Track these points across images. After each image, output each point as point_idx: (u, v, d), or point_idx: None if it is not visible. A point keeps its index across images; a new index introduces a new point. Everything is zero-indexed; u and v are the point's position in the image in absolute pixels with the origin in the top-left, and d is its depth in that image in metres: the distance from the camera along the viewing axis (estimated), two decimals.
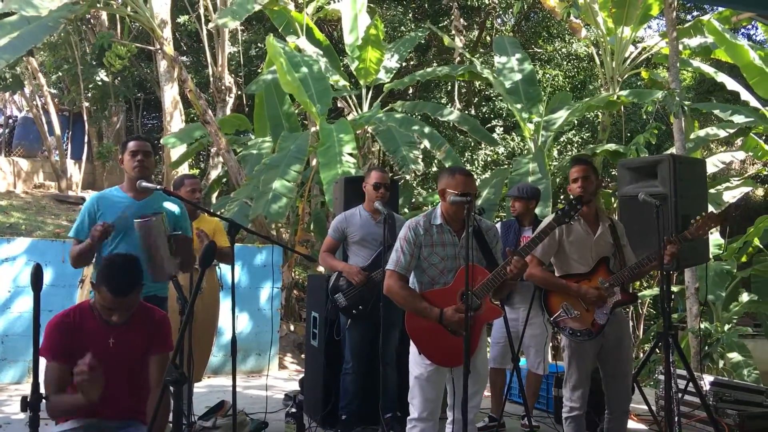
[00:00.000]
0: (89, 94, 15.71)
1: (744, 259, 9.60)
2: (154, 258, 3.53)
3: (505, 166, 12.14)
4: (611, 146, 10.01)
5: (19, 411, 2.52)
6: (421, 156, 9.12)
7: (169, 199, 3.96)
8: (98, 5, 11.00)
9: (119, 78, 16.01)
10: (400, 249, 3.40)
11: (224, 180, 12.59)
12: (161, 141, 11.66)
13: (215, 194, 12.71)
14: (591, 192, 3.97)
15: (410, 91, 15.70)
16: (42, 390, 2.52)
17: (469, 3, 15.23)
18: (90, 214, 3.79)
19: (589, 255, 3.97)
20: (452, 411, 3.38)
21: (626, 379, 4.04)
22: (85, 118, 15.94)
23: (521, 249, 3.45)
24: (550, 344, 6.23)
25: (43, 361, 2.80)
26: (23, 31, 8.71)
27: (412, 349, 3.40)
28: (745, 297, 9.04)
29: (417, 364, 3.38)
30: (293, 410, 5.23)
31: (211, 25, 11.98)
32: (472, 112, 15.48)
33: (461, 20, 14.78)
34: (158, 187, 3.78)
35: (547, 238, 3.79)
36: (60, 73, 16.22)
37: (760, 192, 15.87)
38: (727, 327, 8.43)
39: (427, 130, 10.02)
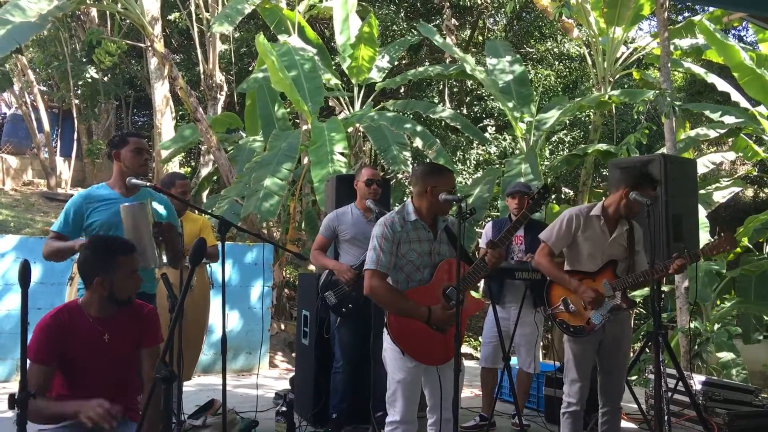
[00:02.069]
0: (79, 91, 15.63)
1: (731, 257, 9.65)
2: (137, 243, 3.49)
3: (497, 166, 12.15)
4: (602, 146, 10.05)
5: (6, 409, 2.50)
6: (410, 157, 9.15)
7: (156, 196, 3.92)
8: (88, 2, 10.95)
9: (109, 75, 15.94)
10: (379, 247, 3.31)
11: (215, 178, 12.56)
12: (158, 146, 11.65)
13: (206, 192, 12.68)
14: None
15: (402, 90, 15.69)
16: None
17: (461, 2, 15.23)
18: (77, 213, 3.73)
19: (600, 255, 3.97)
20: (435, 411, 3.33)
21: (619, 376, 4.06)
22: (75, 115, 15.87)
23: (498, 240, 3.47)
24: (541, 343, 6.26)
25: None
26: (11, 29, 8.65)
27: (392, 352, 3.32)
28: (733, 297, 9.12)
29: (399, 368, 3.29)
30: (284, 409, 5.20)
31: (197, 29, 12.00)
32: (464, 111, 15.49)
33: (453, 20, 14.80)
34: (147, 184, 3.74)
35: (563, 228, 3.93)
36: (49, 70, 16.14)
37: (749, 192, 15.96)
38: (716, 327, 8.47)
39: (419, 128, 10.03)
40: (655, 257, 3.91)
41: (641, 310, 12.28)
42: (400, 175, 11.22)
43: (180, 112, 15.18)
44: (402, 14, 15.65)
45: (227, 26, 10.19)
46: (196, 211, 5.34)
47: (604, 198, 4.20)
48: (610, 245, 3.97)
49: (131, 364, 3.10)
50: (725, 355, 8.15)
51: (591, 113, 11.95)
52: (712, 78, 10.33)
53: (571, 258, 4.06)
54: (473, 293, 3.76)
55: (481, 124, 14.50)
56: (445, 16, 14.99)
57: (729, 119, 9.73)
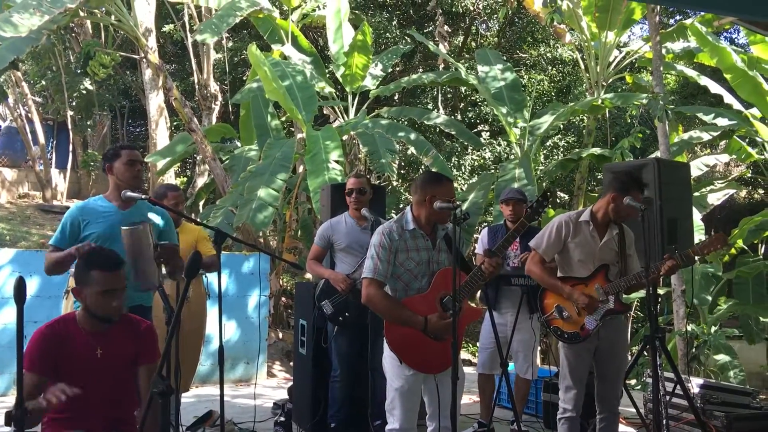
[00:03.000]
0: (73, 103, 15.62)
1: (726, 259, 9.67)
2: (140, 266, 3.50)
3: (492, 171, 12.17)
4: (596, 150, 10.07)
5: (2, 424, 2.49)
6: (396, 165, 9.18)
7: (153, 209, 3.93)
8: (81, 14, 10.95)
9: (104, 86, 15.94)
10: (376, 256, 3.32)
11: (212, 189, 12.55)
12: (145, 158, 11.63)
13: (202, 202, 12.67)
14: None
15: (396, 97, 15.71)
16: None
17: (453, 9, 15.27)
18: (74, 225, 3.74)
19: (591, 260, 3.98)
20: (434, 419, 3.33)
21: (616, 382, 4.06)
22: (70, 126, 15.85)
23: (495, 249, 3.47)
24: (539, 349, 6.26)
25: None
26: (6, 43, 8.65)
27: (391, 360, 3.34)
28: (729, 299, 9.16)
29: (397, 375, 3.31)
30: (282, 419, 5.20)
31: (191, 39, 12.03)
32: (458, 117, 15.52)
33: (446, 26, 14.83)
34: (143, 196, 3.75)
35: (553, 236, 3.95)
36: (44, 82, 16.12)
37: (743, 194, 15.99)
38: (713, 329, 8.48)
39: (413, 136, 10.04)
40: (650, 261, 3.92)
41: (638, 313, 12.29)
42: (395, 183, 11.22)
43: (175, 123, 15.18)
44: (395, 22, 15.67)
45: (214, 36, 10.21)
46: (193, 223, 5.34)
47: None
48: (601, 250, 3.98)
49: (126, 380, 3.08)
50: (723, 358, 8.15)
51: (585, 117, 11.98)
52: (704, 80, 10.36)
53: (562, 264, 4.07)
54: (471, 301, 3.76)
55: (475, 130, 14.52)
56: (437, 22, 15.02)
57: (722, 121, 9.75)
